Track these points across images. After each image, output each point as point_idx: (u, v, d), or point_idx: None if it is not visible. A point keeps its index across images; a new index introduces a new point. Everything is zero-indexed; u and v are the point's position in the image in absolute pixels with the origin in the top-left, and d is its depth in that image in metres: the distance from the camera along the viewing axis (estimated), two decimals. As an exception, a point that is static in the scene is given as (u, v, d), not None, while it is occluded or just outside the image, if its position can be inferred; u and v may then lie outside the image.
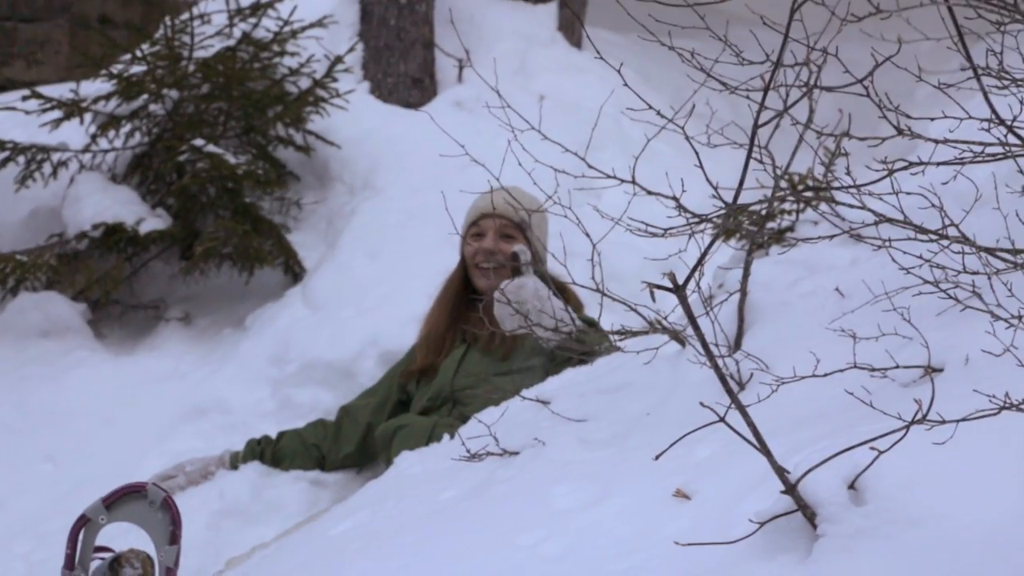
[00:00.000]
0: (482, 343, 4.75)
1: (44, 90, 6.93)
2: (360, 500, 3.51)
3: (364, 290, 6.19)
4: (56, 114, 6.84)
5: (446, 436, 3.80)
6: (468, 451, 3.32)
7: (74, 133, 7.00)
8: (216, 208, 6.77)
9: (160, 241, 6.77)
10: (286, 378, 5.93)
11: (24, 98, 6.83)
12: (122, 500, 3.54)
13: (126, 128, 6.94)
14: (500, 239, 4.89)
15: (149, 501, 3.52)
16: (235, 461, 5.12)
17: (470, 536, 2.73)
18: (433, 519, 2.96)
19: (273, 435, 5.17)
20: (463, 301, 4.92)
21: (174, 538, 3.45)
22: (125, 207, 6.65)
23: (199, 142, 6.66)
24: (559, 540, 2.57)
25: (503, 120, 3.41)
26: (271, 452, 5.09)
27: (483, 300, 4.58)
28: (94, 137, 6.94)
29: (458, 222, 4.64)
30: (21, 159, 6.88)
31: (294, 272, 6.65)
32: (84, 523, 3.55)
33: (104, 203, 6.65)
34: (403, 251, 6.28)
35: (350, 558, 2.91)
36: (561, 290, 4.63)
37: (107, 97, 6.81)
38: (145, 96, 6.81)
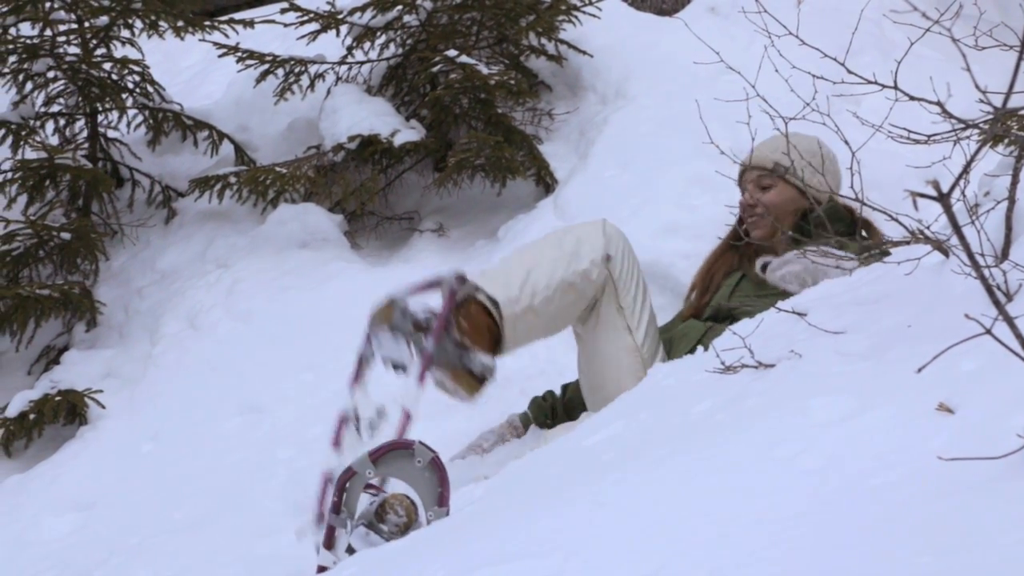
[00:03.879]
0: (752, 276, 4.86)
1: (301, 3, 7.04)
2: (614, 411, 3.50)
3: (616, 200, 6.16)
4: (313, 26, 6.94)
5: (699, 348, 3.77)
6: (723, 363, 3.28)
7: (330, 45, 7.11)
8: (469, 119, 6.81)
9: (414, 153, 6.84)
10: (539, 289, 5.94)
11: (282, 11, 6.96)
12: (389, 456, 3.56)
13: (381, 40, 7.01)
14: (758, 191, 4.96)
15: (416, 459, 3.52)
16: (526, 422, 5.07)
17: (726, 448, 2.70)
18: (688, 431, 2.93)
19: (556, 391, 5.12)
20: (736, 244, 5.02)
21: (442, 500, 3.45)
22: (380, 119, 6.73)
23: (452, 53, 6.69)
24: (817, 453, 2.52)
25: (759, 26, 3.34)
26: (561, 406, 5.04)
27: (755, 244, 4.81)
28: (350, 49, 7.03)
29: (712, 131, 4.57)
30: (280, 72, 7.02)
31: (546, 183, 6.66)
32: (351, 475, 3.59)
33: (359, 115, 6.74)
34: (655, 161, 6.22)
35: (605, 468, 2.90)
36: (865, 226, 4.71)
37: (362, 9, 6.89)
38: (399, 7, 6.86)
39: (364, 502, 3.57)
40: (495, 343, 4.50)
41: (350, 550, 3.59)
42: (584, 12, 6.88)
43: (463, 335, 4.41)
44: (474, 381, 4.39)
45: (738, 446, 2.68)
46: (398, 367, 4.31)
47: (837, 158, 4.90)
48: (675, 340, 4.76)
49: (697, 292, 5.06)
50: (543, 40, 6.98)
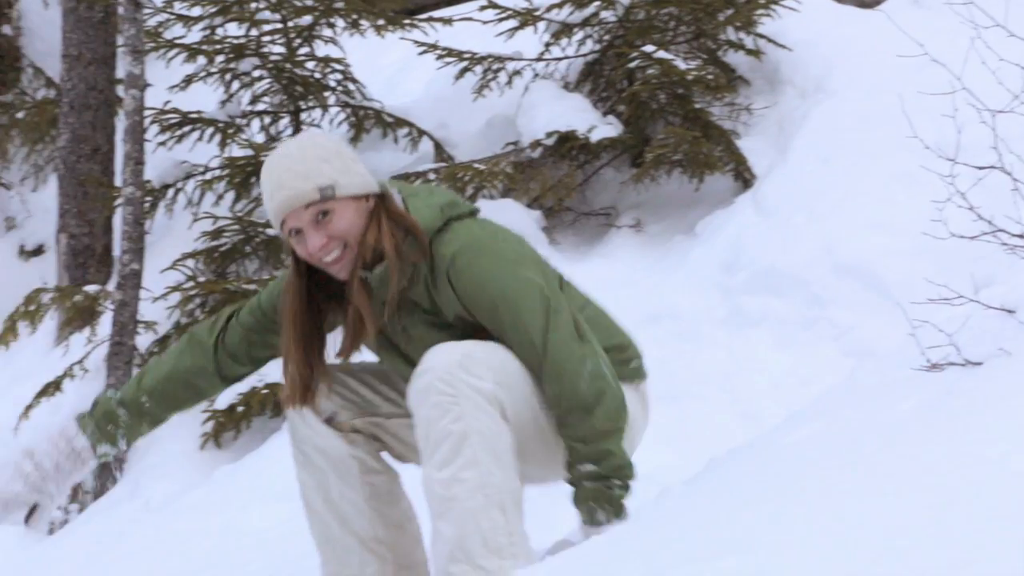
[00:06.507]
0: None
1: (499, 0, 7.08)
2: (814, 409, 3.47)
3: (817, 196, 6.09)
4: (511, 23, 6.99)
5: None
6: (928, 361, 3.23)
7: (528, 42, 7.14)
8: (666, 114, 6.80)
9: (611, 148, 6.84)
10: (737, 286, 5.91)
11: (481, 8, 7.02)
12: None
13: (578, 36, 7.03)
14: (320, 229, 3.72)
15: None
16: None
17: (934, 447, 2.65)
18: (893, 429, 2.89)
19: None
20: (319, 302, 3.90)
21: None
22: (577, 115, 6.75)
23: (649, 48, 6.69)
24: (1029, 454, 2.47)
25: (965, 17, 3.28)
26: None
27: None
28: (547, 45, 7.06)
29: (917, 125, 4.49)
30: (478, 69, 7.08)
31: (744, 178, 6.62)
32: None
33: (557, 111, 6.77)
34: (858, 156, 6.14)
35: (808, 465, 2.88)
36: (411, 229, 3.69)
37: (560, 5, 6.92)
38: (597, 3, 6.88)
39: None
40: None
41: None
42: (783, 5, 6.82)
43: None
44: None
45: (947, 446, 2.64)
46: None
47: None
48: None
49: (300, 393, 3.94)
50: (741, 34, 6.94)
